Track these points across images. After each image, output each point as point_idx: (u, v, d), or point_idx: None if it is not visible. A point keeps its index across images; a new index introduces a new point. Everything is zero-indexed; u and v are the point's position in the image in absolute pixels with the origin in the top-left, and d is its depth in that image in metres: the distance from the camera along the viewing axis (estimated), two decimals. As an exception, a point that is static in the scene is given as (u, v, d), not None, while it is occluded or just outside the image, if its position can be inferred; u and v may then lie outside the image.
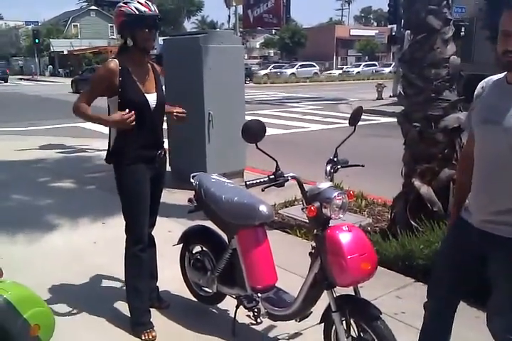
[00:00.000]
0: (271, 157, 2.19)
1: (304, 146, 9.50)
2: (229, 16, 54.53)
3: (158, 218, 4.86)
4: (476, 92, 2.10)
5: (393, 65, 38.94)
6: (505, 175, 1.92)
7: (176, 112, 3.06)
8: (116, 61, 2.70)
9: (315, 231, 2.31)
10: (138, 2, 2.66)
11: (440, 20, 3.79)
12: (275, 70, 38.30)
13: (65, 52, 45.71)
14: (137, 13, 2.63)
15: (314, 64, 40.95)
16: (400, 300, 3.35)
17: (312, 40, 51.84)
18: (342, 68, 45.37)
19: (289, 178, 2.24)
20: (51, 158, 8.06)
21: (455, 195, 2.36)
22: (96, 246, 4.30)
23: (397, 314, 3.11)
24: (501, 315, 2.01)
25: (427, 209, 4.01)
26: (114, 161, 2.84)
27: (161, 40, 7.73)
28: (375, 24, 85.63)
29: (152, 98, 2.80)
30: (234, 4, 24.15)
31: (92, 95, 2.77)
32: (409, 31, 3.89)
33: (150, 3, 2.73)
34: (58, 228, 4.74)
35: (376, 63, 44.85)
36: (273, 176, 2.21)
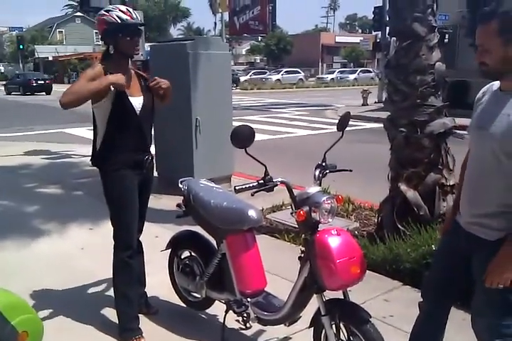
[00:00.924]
0: (260, 162, 2.21)
1: (292, 151, 9.52)
2: (215, 23, 54.85)
3: (145, 223, 4.87)
4: (476, 98, 2.15)
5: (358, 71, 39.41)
6: (488, 179, 1.97)
7: (152, 83, 2.86)
8: (101, 66, 2.70)
9: (304, 235, 2.33)
10: (120, 10, 2.65)
11: (425, 27, 3.86)
12: (255, 76, 38.26)
13: (50, 58, 45.41)
14: (119, 21, 2.62)
15: (299, 70, 41.12)
16: (387, 304, 3.37)
17: (298, 47, 52.23)
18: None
19: (278, 183, 2.26)
20: (37, 164, 7.99)
21: (454, 199, 2.40)
22: (84, 252, 4.27)
23: (386, 317, 3.13)
24: (482, 316, 2.05)
25: (413, 213, 4.06)
26: (101, 166, 2.82)
27: (147, 46, 7.73)
28: (360, 31, 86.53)
29: (137, 101, 2.78)
30: (220, 11, 24.27)
31: (79, 85, 2.65)
32: (394, 38, 3.95)
33: (132, 11, 2.73)
34: (46, 234, 4.70)
35: (341, 70, 45.06)
36: (262, 181, 2.22)
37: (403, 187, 4.09)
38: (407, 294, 3.51)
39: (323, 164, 2.43)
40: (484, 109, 2.07)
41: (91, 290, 3.57)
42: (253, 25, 32.46)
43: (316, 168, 2.43)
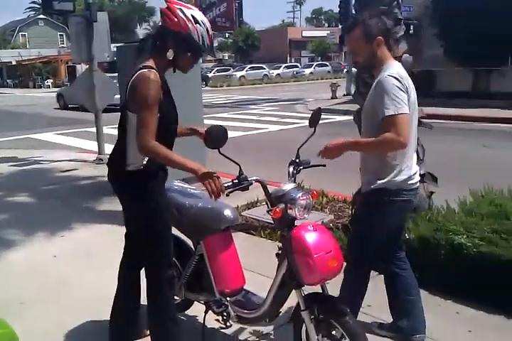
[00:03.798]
0: (233, 161, 2.19)
1: (264, 147, 9.52)
2: (180, 21, 54.08)
3: (113, 226, 4.82)
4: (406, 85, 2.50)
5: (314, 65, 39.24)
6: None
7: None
8: (156, 74, 2.29)
9: (281, 232, 2.32)
10: (207, 30, 2.32)
11: (391, 20, 3.87)
12: (219, 74, 37.92)
13: (14, 63, 44.28)
14: (200, 43, 2.32)
15: (264, 66, 40.76)
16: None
17: (266, 43, 52.27)
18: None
19: (253, 182, 2.25)
20: (5, 172, 7.78)
21: None
22: (57, 260, 4.17)
23: (364, 307, 3.14)
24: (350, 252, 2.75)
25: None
26: (147, 183, 2.43)
27: (113, 47, 7.61)
28: (327, 25, 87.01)
29: None
30: (185, 8, 23.94)
31: (153, 121, 2.26)
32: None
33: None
34: (17, 242, 4.57)
35: (298, 65, 44.92)
36: (237, 180, 2.20)
37: (375, 178, 4.12)
38: (383, 283, 3.54)
39: (297, 160, 2.43)
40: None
41: (67, 298, 3.48)
42: (220, 22, 32.34)
43: (289, 165, 2.43)
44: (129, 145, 2.39)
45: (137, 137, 2.25)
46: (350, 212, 4.64)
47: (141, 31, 65.79)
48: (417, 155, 4.18)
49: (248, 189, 2.24)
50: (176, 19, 2.28)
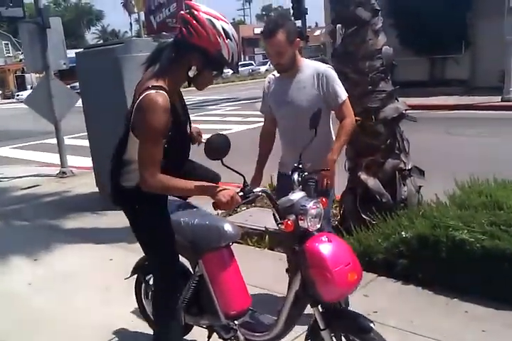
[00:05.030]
0: (238, 172, 1.99)
1: (232, 148, 9.26)
2: (131, 24, 53.29)
3: (95, 245, 4.51)
4: (265, 85, 3.01)
5: (269, 62, 39.42)
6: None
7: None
8: (165, 95, 2.01)
9: (290, 245, 2.13)
10: (237, 46, 2.07)
11: (369, 11, 3.77)
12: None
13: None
14: (228, 59, 2.06)
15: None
16: (368, 299, 3.25)
17: (218, 42, 51.76)
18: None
19: (260, 194, 2.04)
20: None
21: None
22: (32, 288, 3.80)
23: (370, 314, 3.00)
24: None
25: (376, 201, 3.98)
26: (153, 202, 2.25)
27: (70, 52, 7.23)
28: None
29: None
30: (136, 11, 23.50)
31: (158, 152, 2.02)
32: (339, 25, 3.82)
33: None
34: (-16, 271, 4.19)
35: (253, 62, 44.84)
36: (242, 193, 1.99)
37: (363, 176, 4.01)
38: (385, 286, 3.44)
39: (300, 166, 2.24)
40: (280, 90, 2.86)
41: (48, 331, 3.16)
42: (171, 22, 31.69)
43: (292, 172, 2.23)
44: (124, 162, 2.22)
45: (140, 171, 2.02)
46: (338, 212, 4.50)
47: (90, 36, 64.39)
48: (404, 149, 4.12)
49: (254, 202, 2.03)
50: (204, 33, 1.97)
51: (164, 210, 2.31)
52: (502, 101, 12.01)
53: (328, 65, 2.86)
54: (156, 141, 2.00)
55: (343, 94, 2.84)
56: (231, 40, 2.02)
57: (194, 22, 1.97)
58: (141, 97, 2.00)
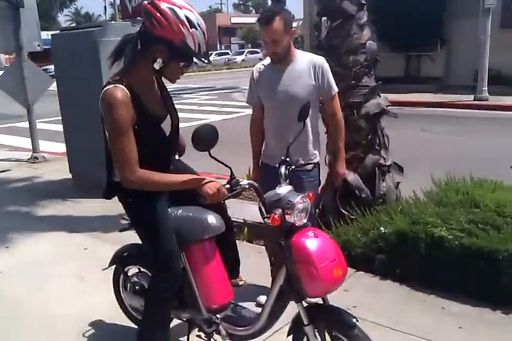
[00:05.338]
0: (224, 164, 1.94)
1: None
2: (105, 7, 52.26)
3: (68, 234, 4.41)
4: (255, 76, 2.99)
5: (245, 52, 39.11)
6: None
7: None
8: (124, 90, 1.96)
9: (276, 239, 2.10)
10: (203, 34, 1.97)
11: (355, 5, 3.75)
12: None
13: None
14: (195, 50, 1.97)
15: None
16: (347, 294, 3.25)
17: (195, 29, 51.10)
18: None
19: (247, 187, 2.00)
20: None
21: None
22: (3, 276, 3.69)
23: (350, 309, 3.02)
24: None
25: (355, 196, 3.99)
26: (136, 196, 2.18)
27: (45, 34, 6.98)
28: (254, 11, 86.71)
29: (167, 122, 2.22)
30: (111, -6, 22.87)
31: (131, 147, 1.97)
32: (325, 18, 3.78)
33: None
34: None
35: (229, 52, 44.39)
36: (229, 185, 1.95)
37: (344, 171, 3.99)
38: (363, 280, 3.46)
39: (287, 159, 2.21)
40: (272, 79, 2.84)
41: (23, 323, 3.06)
42: (146, 8, 31.27)
43: (279, 165, 2.20)
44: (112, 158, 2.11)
45: (117, 170, 1.97)
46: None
47: (63, 18, 62.69)
48: (385, 145, 4.13)
49: (240, 195, 2.00)
50: (166, 23, 1.90)
51: (157, 204, 2.20)
52: (475, 99, 12.22)
53: (322, 58, 2.89)
54: (122, 135, 1.95)
55: (336, 87, 2.92)
56: (196, 29, 1.94)
57: (156, 12, 1.92)
58: (101, 93, 1.97)
